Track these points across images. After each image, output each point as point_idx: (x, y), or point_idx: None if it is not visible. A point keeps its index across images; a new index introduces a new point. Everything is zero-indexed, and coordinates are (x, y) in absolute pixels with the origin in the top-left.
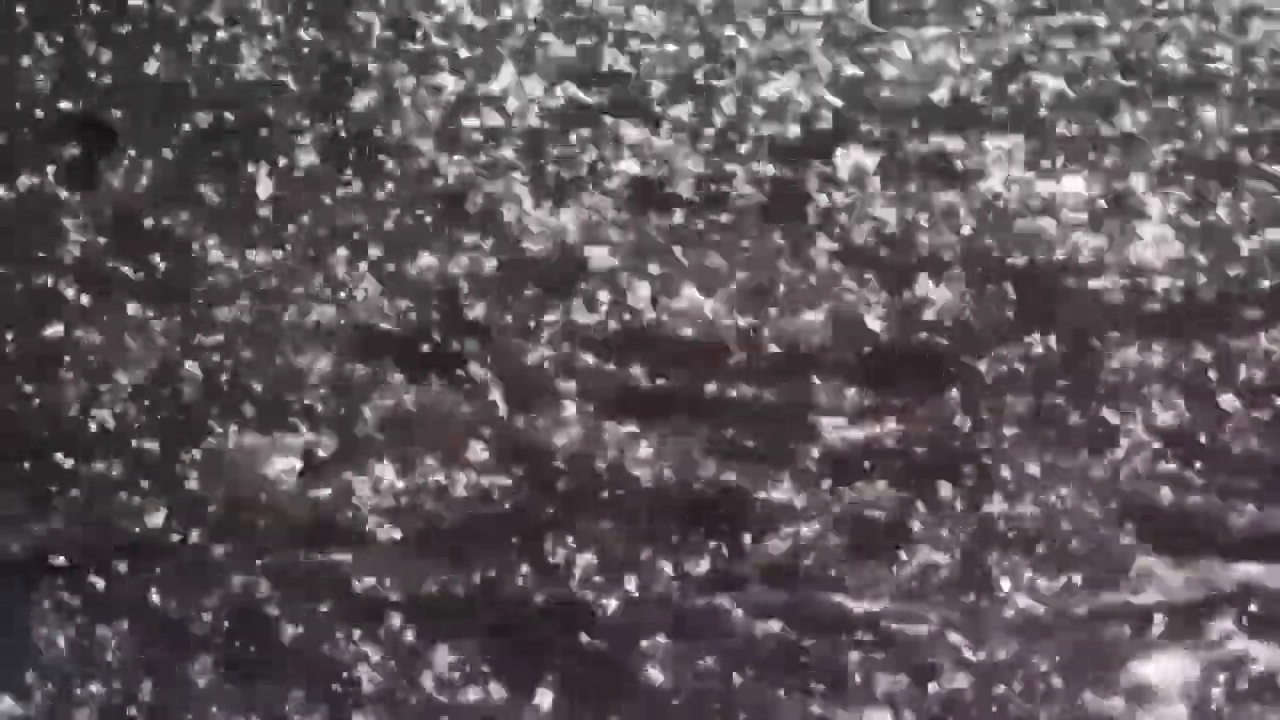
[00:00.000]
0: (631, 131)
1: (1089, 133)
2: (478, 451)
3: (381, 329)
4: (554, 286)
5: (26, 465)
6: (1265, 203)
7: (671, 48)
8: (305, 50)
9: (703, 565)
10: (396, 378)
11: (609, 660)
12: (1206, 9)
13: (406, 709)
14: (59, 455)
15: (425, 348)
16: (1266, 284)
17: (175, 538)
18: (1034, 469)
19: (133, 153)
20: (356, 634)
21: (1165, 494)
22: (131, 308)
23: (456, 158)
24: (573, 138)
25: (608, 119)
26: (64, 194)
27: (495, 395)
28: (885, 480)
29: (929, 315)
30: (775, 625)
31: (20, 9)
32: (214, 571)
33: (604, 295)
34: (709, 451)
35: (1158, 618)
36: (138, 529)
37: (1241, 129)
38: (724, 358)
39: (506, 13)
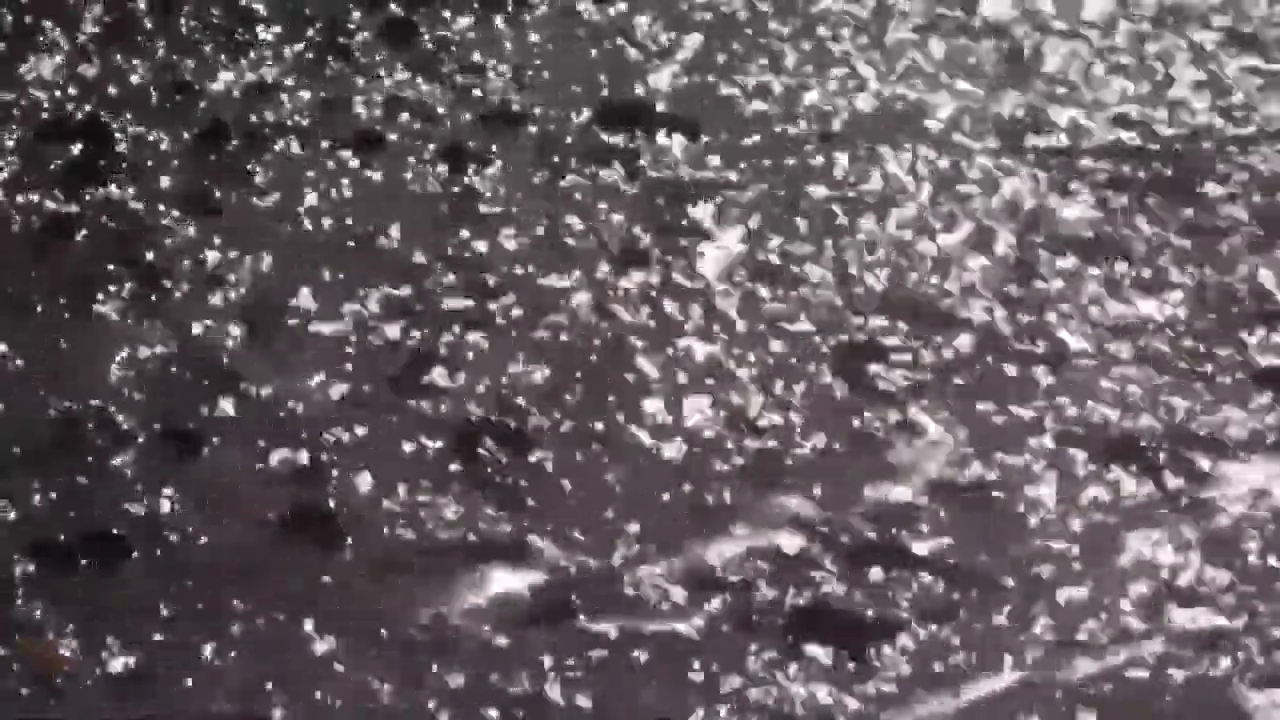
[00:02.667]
0: None
1: None
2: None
3: (386, 339)
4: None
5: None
6: None
7: None
8: (309, 54)
9: None
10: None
11: None
12: None
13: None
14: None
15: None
16: None
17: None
18: None
19: (132, 155)
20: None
21: None
22: (128, 310)
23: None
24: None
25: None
26: (62, 196)
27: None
28: None
29: None
30: None
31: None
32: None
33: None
34: None
35: None
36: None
37: None
38: None
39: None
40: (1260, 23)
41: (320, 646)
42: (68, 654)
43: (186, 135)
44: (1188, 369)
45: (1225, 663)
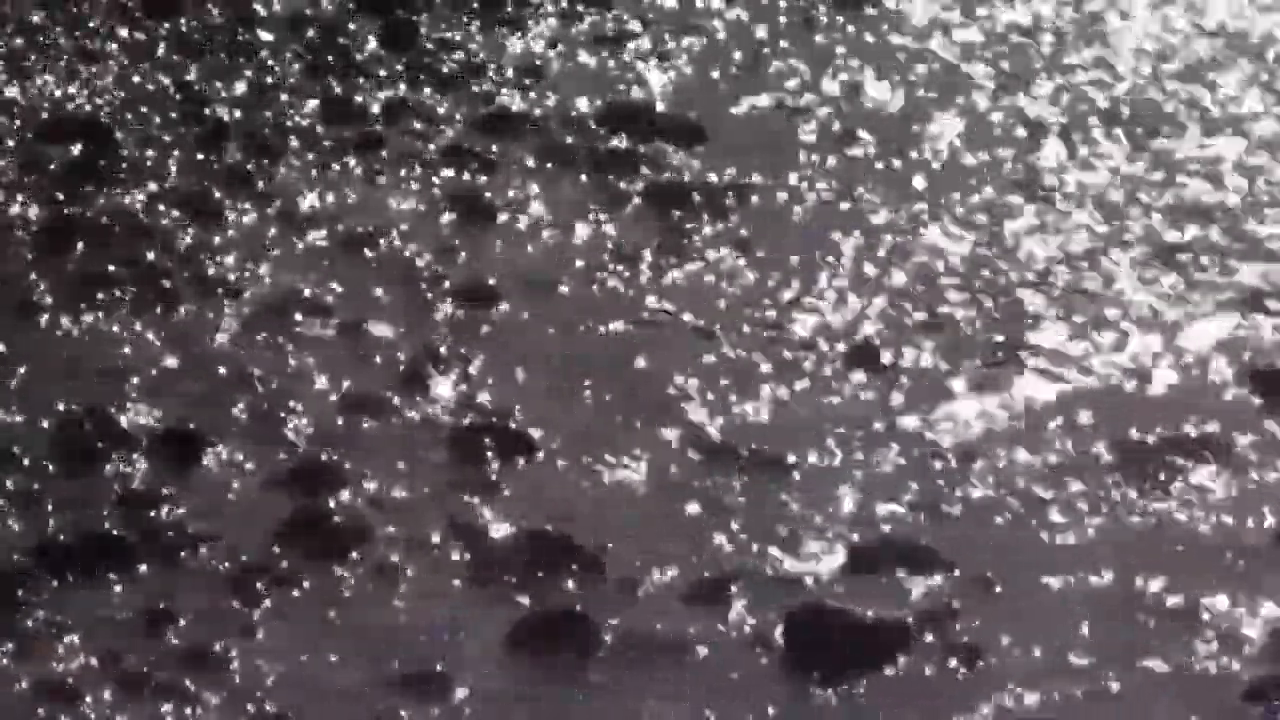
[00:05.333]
0: None
1: None
2: None
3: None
4: None
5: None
6: None
7: None
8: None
9: None
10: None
11: None
12: None
13: None
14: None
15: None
16: None
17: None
18: None
19: (132, 156)
20: None
21: None
22: (129, 312)
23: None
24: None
25: None
26: (62, 198)
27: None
28: None
29: None
30: None
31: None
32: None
33: None
34: None
35: None
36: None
37: None
38: None
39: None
40: None
41: (322, 653)
42: None
43: (188, 137)
44: None
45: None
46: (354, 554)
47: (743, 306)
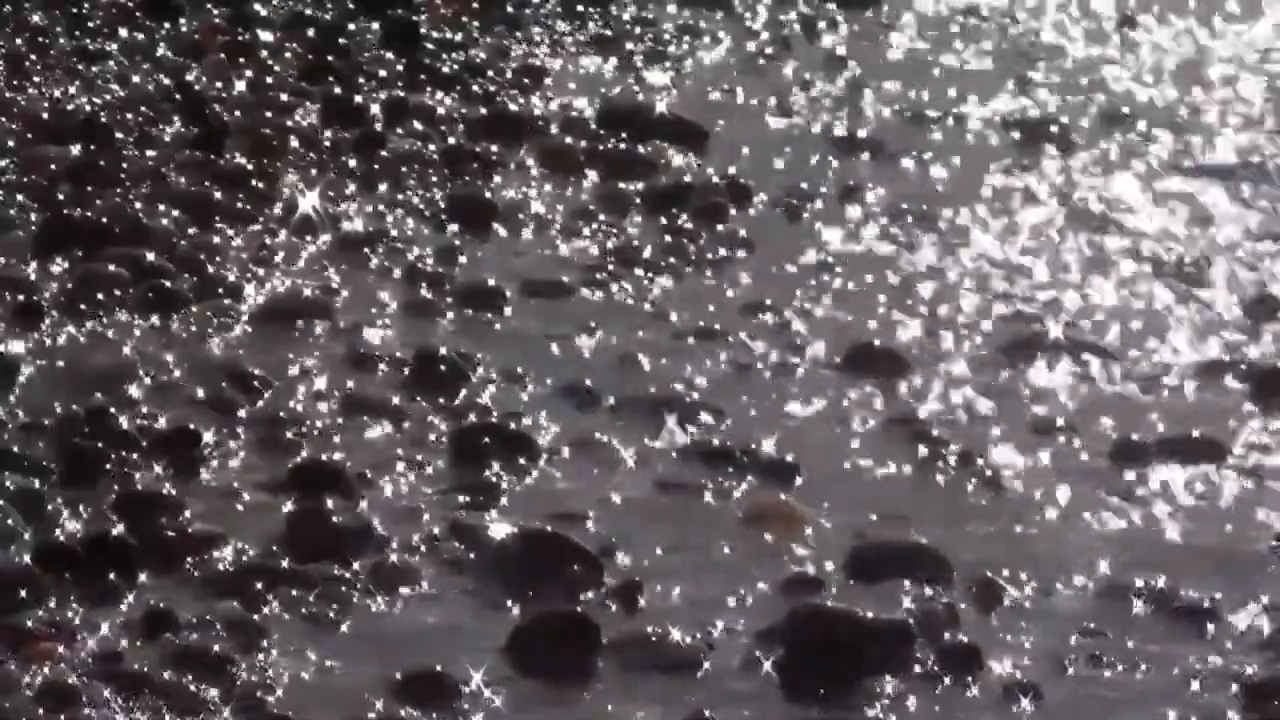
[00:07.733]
0: None
1: None
2: None
3: (389, 340)
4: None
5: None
6: None
7: None
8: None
9: None
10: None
11: None
12: None
13: None
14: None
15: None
16: None
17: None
18: None
19: (133, 157)
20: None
21: None
22: (130, 313)
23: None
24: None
25: None
26: (62, 198)
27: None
28: None
29: None
30: None
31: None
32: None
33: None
34: None
35: None
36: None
37: None
38: None
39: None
40: None
41: (323, 655)
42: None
43: (188, 137)
44: None
45: None
46: (355, 556)
47: (744, 307)
